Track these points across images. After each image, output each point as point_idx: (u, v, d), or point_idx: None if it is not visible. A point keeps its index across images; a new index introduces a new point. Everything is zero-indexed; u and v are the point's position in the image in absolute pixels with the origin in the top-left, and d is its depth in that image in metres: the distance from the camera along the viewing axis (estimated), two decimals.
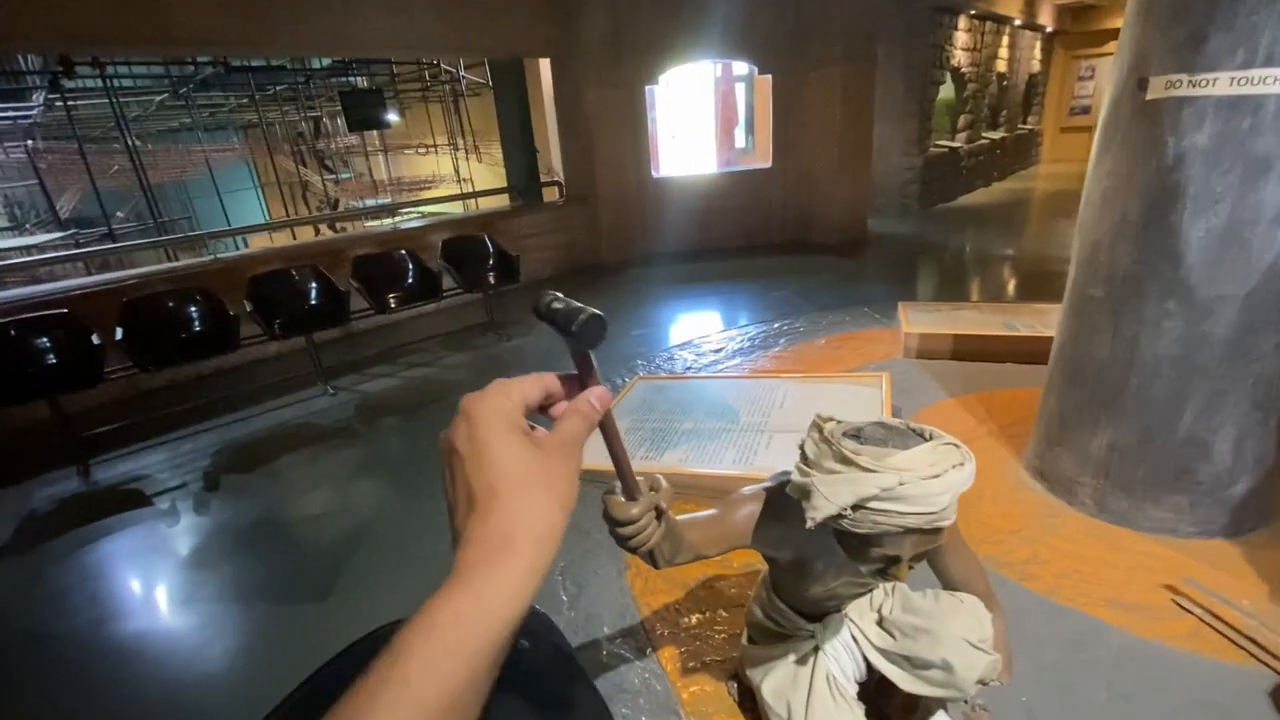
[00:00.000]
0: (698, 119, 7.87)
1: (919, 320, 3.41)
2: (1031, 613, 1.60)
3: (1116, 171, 1.74)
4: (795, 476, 0.95)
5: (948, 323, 3.35)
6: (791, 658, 1.27)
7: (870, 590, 1.24)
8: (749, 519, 1.10)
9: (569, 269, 6.30)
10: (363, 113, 7.25)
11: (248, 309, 3.57)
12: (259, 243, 7.47)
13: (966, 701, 1.21)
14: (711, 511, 1.12)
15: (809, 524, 0.86)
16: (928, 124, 8.40)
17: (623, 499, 0.80)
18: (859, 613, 1.24)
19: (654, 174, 6.44)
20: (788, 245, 6.62)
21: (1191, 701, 1.35)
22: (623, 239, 6.40)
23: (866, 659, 1.23)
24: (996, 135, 10.57)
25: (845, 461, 0.87)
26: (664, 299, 5.13)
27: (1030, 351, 2.95)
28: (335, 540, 2.30)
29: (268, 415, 3.49)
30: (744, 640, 1.41)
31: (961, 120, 9.45)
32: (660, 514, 0.84)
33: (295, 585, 2.09)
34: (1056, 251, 5.68)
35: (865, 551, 0.91)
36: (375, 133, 10.44)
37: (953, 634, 1.11)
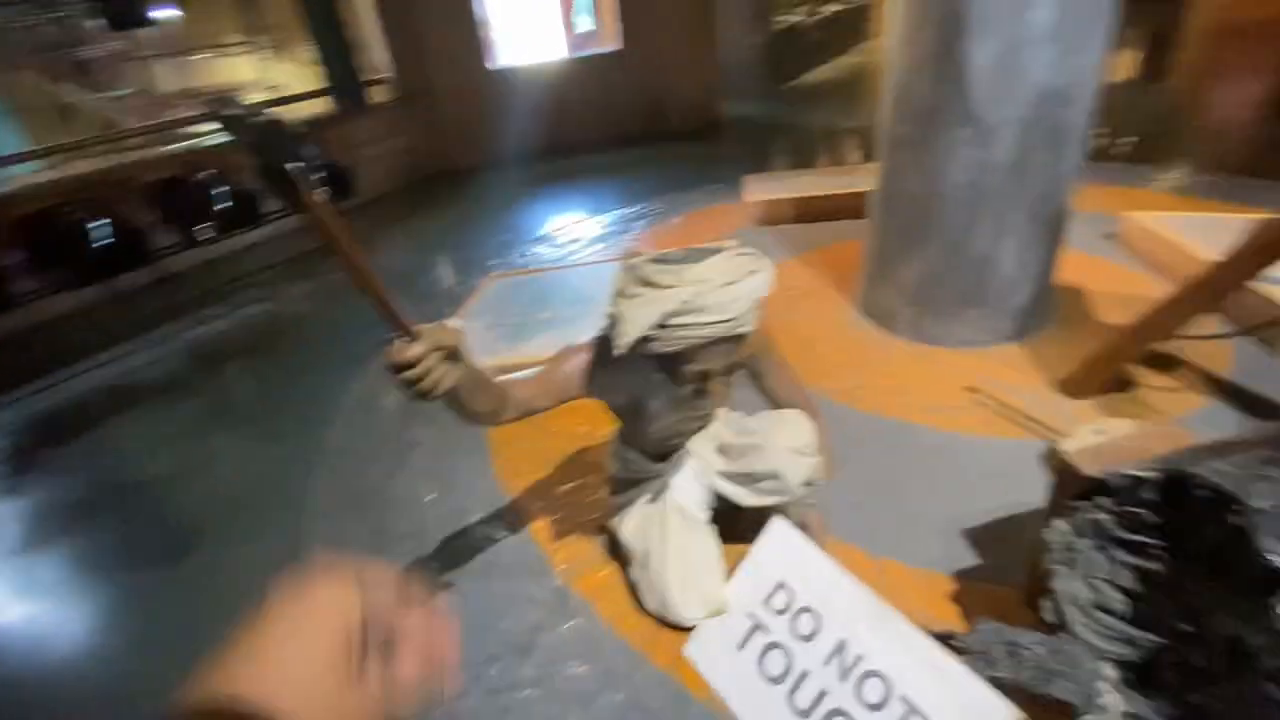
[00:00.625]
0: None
1: (763, 189, 3.50)
2: (860, 427, 1.79)
3: (911, 7, 1.80)
4: (607, 309, 0.94)
5: (787, 189, 3.48)
6: (646, 498, 1.33)
7: (706, 422, 1.31)
8: (579, 368, 1.09)
9: (415, 177, 5.78)
10: (123, 3, 5.85)
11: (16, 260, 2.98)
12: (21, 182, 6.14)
13: (799, 504, 1.34)
14: (540, 368, 1.10)
15: (616, 350, 0.87)
16: None
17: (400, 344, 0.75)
18: (700, 444, 1.31)
19: (489, 64, 5.92)
20: (644, 134, 6.47)
21: (986, 473, 1.59)
22: (471, 140, 5.93)
23: (711, 487, 1.32)
24: (831, 9, 10.69)
25: (646, 283, 0.87)
26: (520, 199, 4.89)
27: (861, 207, 3.14)
28: (187, 501, 2.08)
29: (78, 381, 3.02)
30: (606, 494, 1.46)
31: None
32: (454, 356, 0.80)
33: (146, 553, 1.89)
34: None
35: (679, 371, 0.94)
36: (150, 33, 8.63)
37: (779, 445, 1.21)
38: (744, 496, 1.25)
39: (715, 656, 1.19)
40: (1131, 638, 0.87)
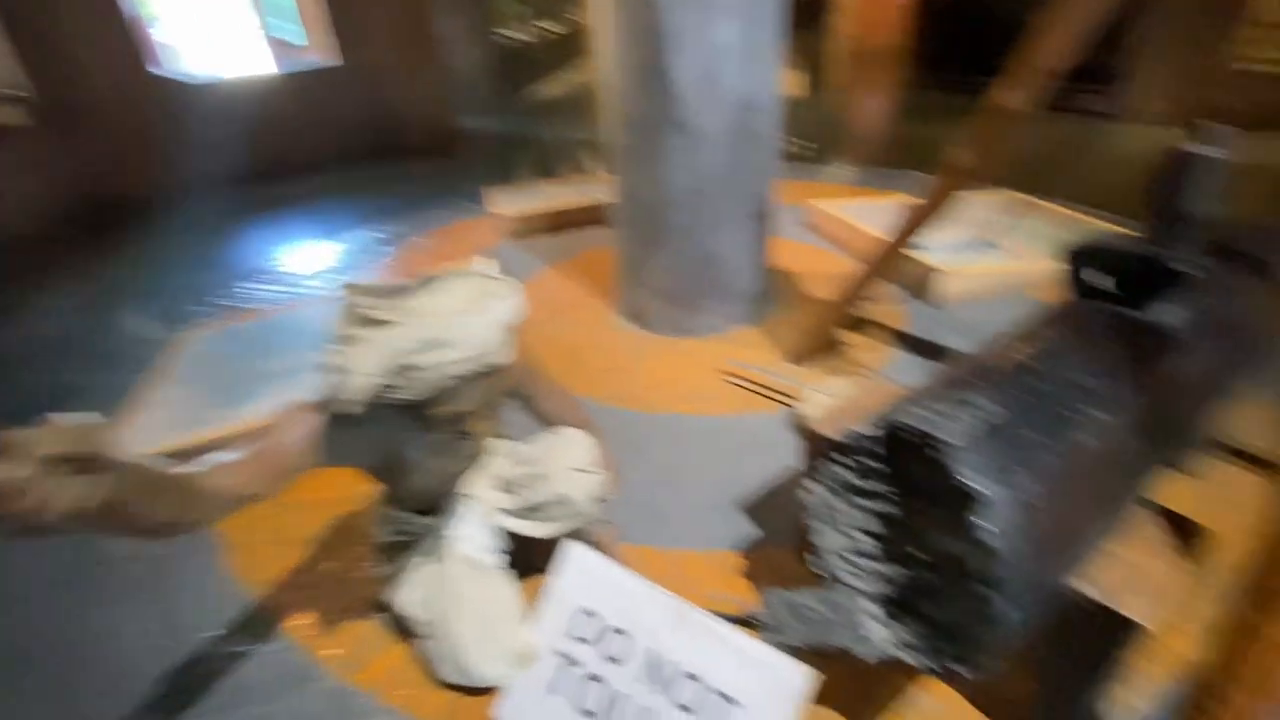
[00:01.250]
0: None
1: (509, 202, 3.45)
2: (633, 426, 1.83)
3: (620, 20, 1.89)
4: (328, 361, 0.78)
5: (534, 201, 3.48)
6: (421, 560, 1.17)
7: (477, 460, 1.20)
8: (304, 436, 0.90)
9: (75, 211, 4.49)
10: None
11: None
12: None
13: (592, 524, 1.31)
14: (249, 448, 0.88)
15: (351, 407, 0.72)
16: (489, 11, 8.24)
17: None
18: (476, 486, 1.19)
19: (154, 69, 4.87)
20: (373, 151, 5.95)
21: (751, 447, 1.73)
22: (146, 162, 4.82)
23: (497, 526, 1.22)
24: (558, 26, 11.08)
25: (367, 322, 0.73)
26: (227, 229, 4.12)
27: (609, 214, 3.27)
28: None
29: None
30: (377, 568, 1.26)
31: (521, 10, 9.57)
32: (87, 465, 0.57)
33: None
34: None
35: (431, 417, 0.83)
36: None
37: (562, 468, 1.15)
38: (535, 529, 1.17)
39: (528, 709, 1.09)
40: (883, 574, 0.99)
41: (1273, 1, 4.73)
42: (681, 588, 1.32)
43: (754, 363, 2.08)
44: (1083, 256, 1.10)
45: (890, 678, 1.13)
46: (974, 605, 0.82)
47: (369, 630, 1.30)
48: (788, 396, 1.93)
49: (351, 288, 0.79)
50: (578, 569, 1.16)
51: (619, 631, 1.09)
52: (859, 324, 2.27)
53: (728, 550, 1.42)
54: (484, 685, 1.12)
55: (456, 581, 1.15)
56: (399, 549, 1.21)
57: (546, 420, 1.28)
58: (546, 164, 5.82)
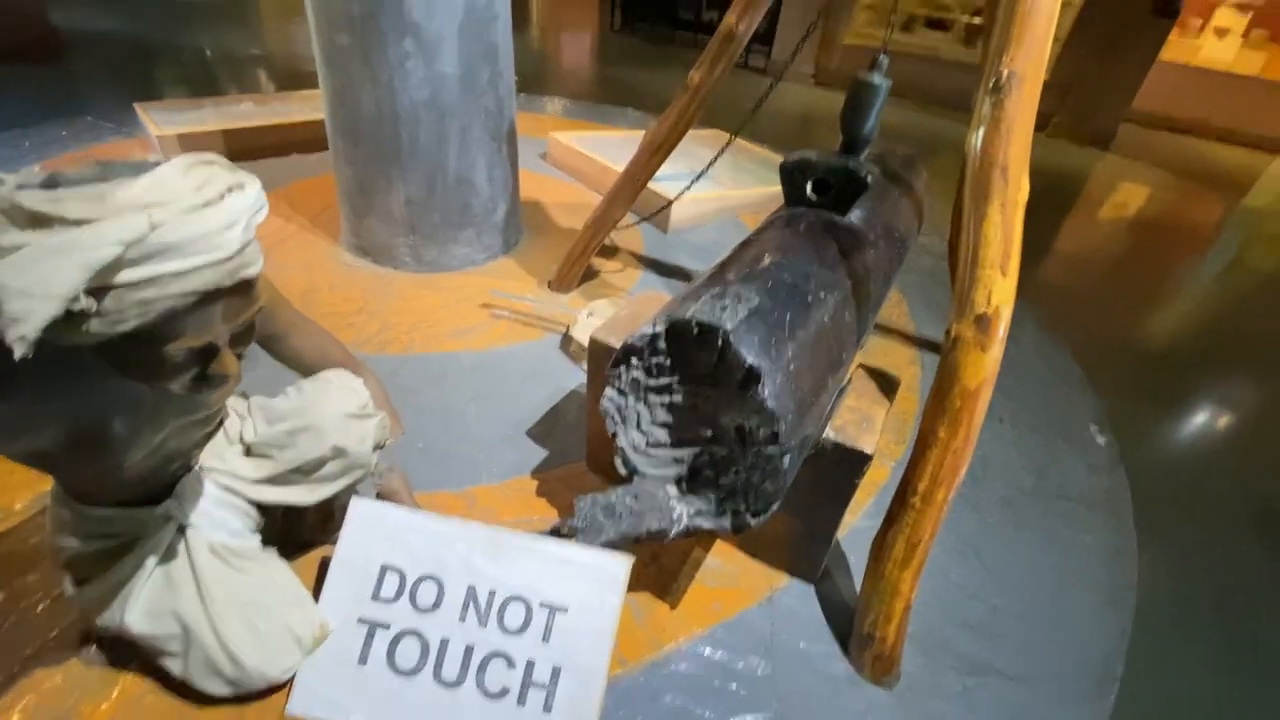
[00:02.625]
0: None
1: (171, 121, 2.70)
2: (400, 371, 1.66)
3: None
4: None
5: (210, 120, 2.78)
6: (151, 563, 0.91)
7: (216, 424, 0.96)
8: None
9: None
10: None
11: None
12: None
13: (375, 474, 1.18)
14: None
15: (18, 351, 0.49)
16: None
17: None
18: (217, 457, 0.96)
19: None
20: None
21: (526, 375, 1.71)
22: None
23: (254, 501, 1.01)
24: None
25: (41, 223, 0.51)
26: None
27: (313, 138, 2.77)
28: None
29: None
30: (69, 589, 0.94)
31: None
32: None
33: None
34: (304, 49, 5.39)
35: (159, 360, 0.62)
36: None
37: (331, 416, 0.99)
38: (306, 494, 1.00)
39: (333, 693, 0.96)
40: (677, 458, 1.09)
41: None
42: (484, 521, 1.28)
43: (515, 293, 2.04)
44: (793, 169, 1.30)
45: (684, 549, 1.28)
46: (758, 464, 0.95)
47: (73, 675, 0.98)
48: (553, 322, 1.94)
49: (8, 177, 0.53)
50: (369, 524, 1.03)
51: (428, 578, 1.02)
52: (606, 250, 2.38)
53: (524, 477, 1.41)
54: (267, 684, 0.95)
55: (208, 579, 0.93)
56: (107, 558, 0.92)
57: (301, 361, 1.08)
58: (202, 77, 4.68)
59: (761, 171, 3.17)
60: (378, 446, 1.08)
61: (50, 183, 0.55)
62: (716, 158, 1.91)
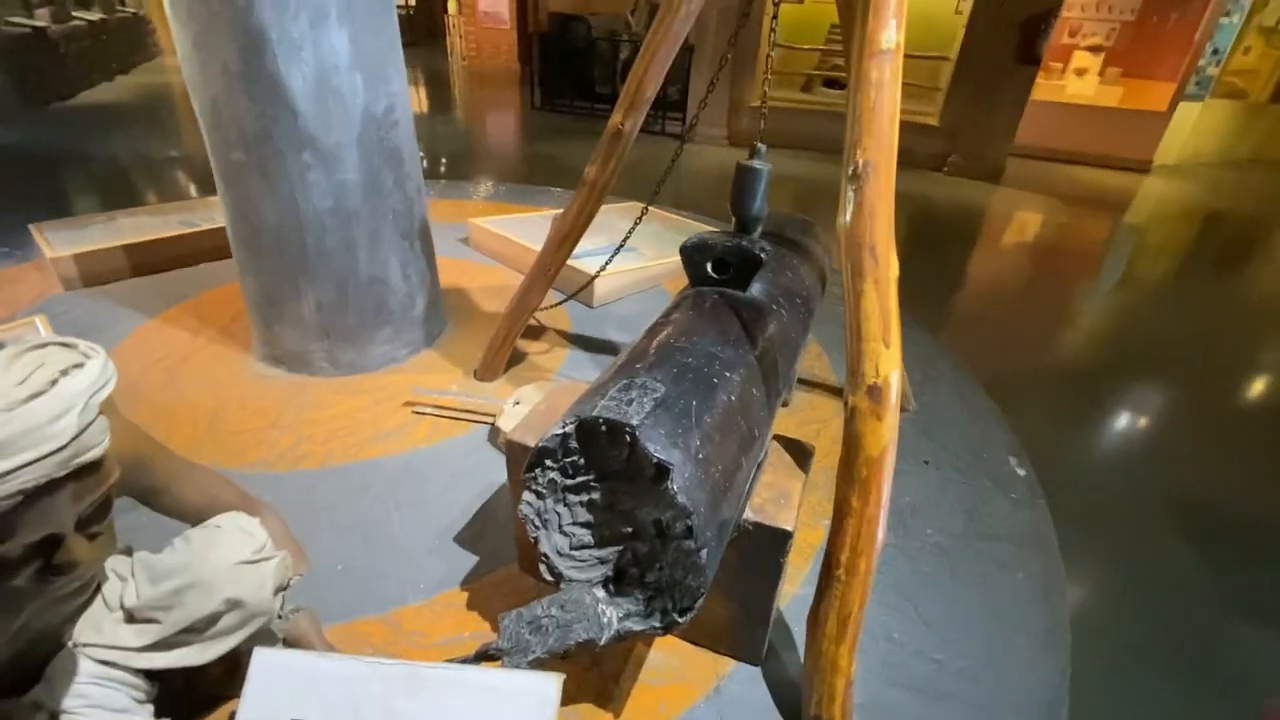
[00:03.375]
0: None
1: (70, 240, 2.60)
2: (317, 487, 1.59)
3: (199, 18, 1.57)
4: None
5: (113, 235, 2.69)
6: None
7: (90, 593, 0.89)
8: None
9: None
10: None
11: None
12: None
13: (281, 617, 1.10)
14: None
15: None
16: None
17: None
18: (94, 629, 0.88)
19: None
20: None
21: (455, 474, 1.66)
22: None
23: (143, 669, 0.92)
24: (94, 16, 8.64)
25: None
26: None
27: (222, 245, 2.71)
28: None
29: None
30: None
31: None
32: None
33: None
34: None
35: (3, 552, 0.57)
36: None
37: (223, 566, 0.93)
38: (199, 654, 0.92)
39: None
40: (602, 558, 1.06)
41: (775, 57, 6.49)
42: (413, 647, 1.21)
43: (440, 388, 2.00)
44: (692, 251, 1.34)
45: (625, 648, 1.23)
46: (680, 559, 0.94)
47: None
48: (480, 414, 1.91)
49: None
50: (273, 677, 0.95)
51: None
52: (533, 332, 2.38)
53: (453, 589, 1.35)
54: None
55: None
56: None
57: (186, 511, 1.01)
58: (113, 187, 4.56)
59: (682, 239, 3.28)
60: (280, 589, 1.01)
61: None
62: (631, 231, 1.96)
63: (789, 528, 1.07)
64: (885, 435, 1.00)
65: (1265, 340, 3.03)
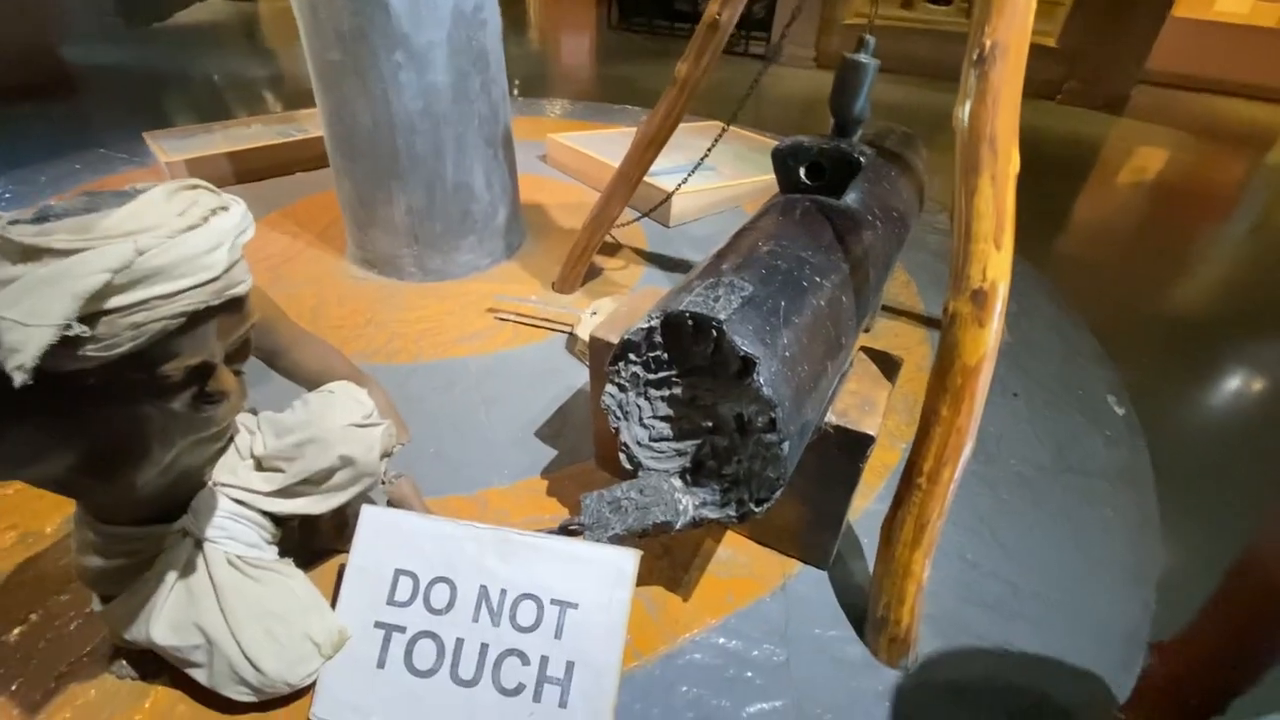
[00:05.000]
0: None
1: (179, 147, 2.77)
2: (409, 379, 1.69)
3: None
4: None
5: (218, 143, 2.84)
6: (172, 577, 0.94)
7: (226, 440, 0.99)
8: None
9: None
10: None
11: None
12: None
13: (384, 481, 1.20)
14: None
15: (17, 380, 0.52)
16: None
17: None
18: (229, 472, 0.99)
19: None
20: None
21: (533, 376, 1.73)
22: None
23: (268, 513, 1.03)
24: None
25: (32, 256, 0.53)
26: None
27: (317, 155, 2.82)
28: None
29: None
30: (96, 606, 0.98)
31: None
32: None
33: None
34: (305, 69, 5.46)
35: (158, 380, 0.64)
36: None
37: (337, 427, 1.01)
38: (317, 504, 1.02)
39: (353, 697, 0.98)
40: (680, 450, 1.09)
41: None
42: (497, 522, 1.30)
43: (520, 296, 2.05)
44: (785, 155, 1.29)
45: (695, 541, 1.28)
46: (759, 452, 0.95)
47: (106, 690, 1.02)
48: (559, 323, 1.95)
49: (2, 215, 0.55)
50: (380, 532, 1.05)
51: (441, 580, 1.03)
52: (608, 248, 2.38)
53: (534, 478, 1.42)
54: (289, 689, 0.97)
55: (227, 589, 0.95)
56: (128, 574, 0.95)
57: (303, 374, 1.10)
58: (208, 104, 4.78)
59: (764, 160, 3.15)
60: (385, 454, 1.09)
61: (40, 217, 0.57)
62: (711, 148, 1.90)
63: (872, 432, 1.06)
64: (986, 343, 0.95)
65: None
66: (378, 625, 1.01)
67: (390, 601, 1.02)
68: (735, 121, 1.87)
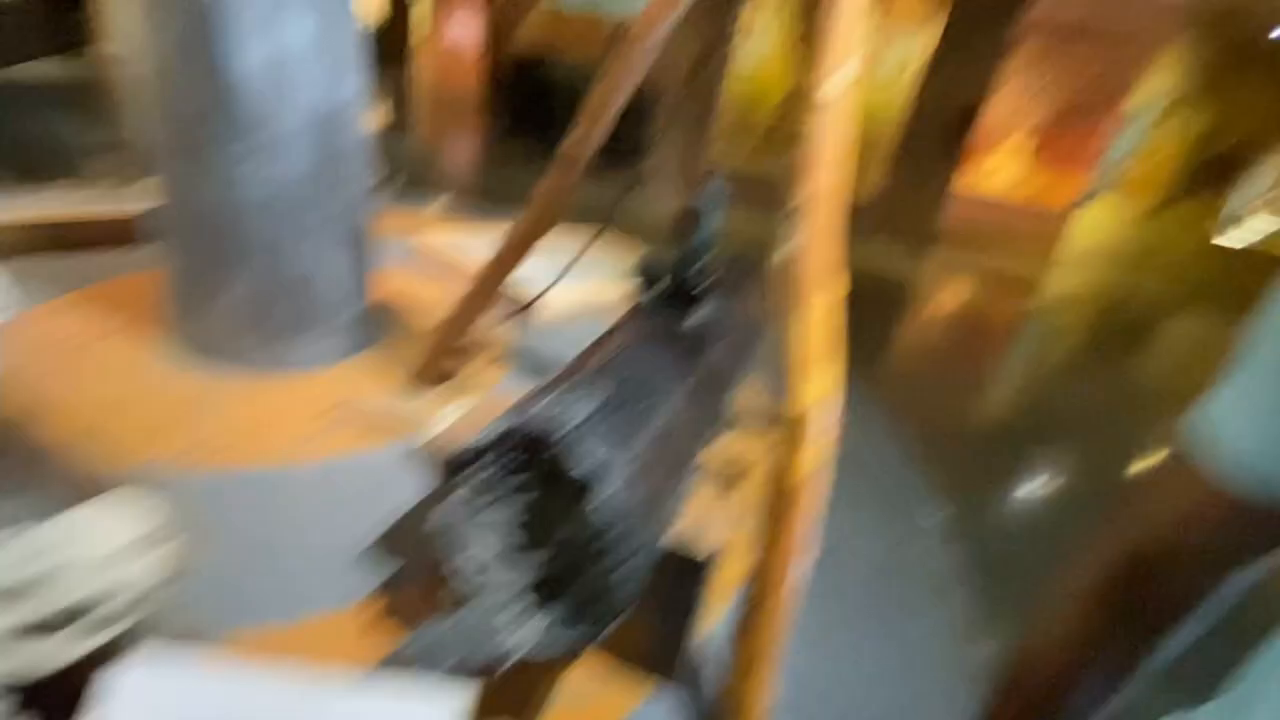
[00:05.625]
0: None
1: None
2: (219, 489, 1.48)
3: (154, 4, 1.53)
4: None
5: (31, 208, 2.50)
6: None
7: None
8: None
9: None
10: None
11: None
12: None
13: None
14: None
15: None
16: None
17: None
18: None
19: None
20: None
21: (365, 484, 1.58)
22: None
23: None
24: None
25: None
26: None
27: (140, 231, 2.57)
28: None
29: None
30: None
31: None
32: None
33: None
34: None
35: None
36: None
37: (96, 552, 0.85)
38: (62, 650, 0.82)
39: None
40: (518, 573, 1.03)
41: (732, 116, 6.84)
42: (318, 658, 1.13)
43: (368, 395, 1.92)
44: (642, 269, 1.37)
45: (540, 669, 1.18)
46: (603, 570, 0.92)
47: None
48: (407, 425, 1.84)
49: None
50: (139, 684, 0.86)
51: None
52: (469, 348, 2.33)
53: (355, 603, 1.26)
54: None
55: None
56: None
57: (62, 490, 0.92)
58: (30, 166, 4.24)
59: (625, 267, 3.33)
60: (162, 584, 0.92)
61: None
62: (582, 252, 1.98)
63: (707, 557, 1.07)
64: (808, 465, 1.02)
65: (1148, 417, 3.32)
66: None
67: None
68: (609, 229, 1.97)
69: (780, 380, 1.06)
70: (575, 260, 2.01)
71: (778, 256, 1.09)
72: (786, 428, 1.02)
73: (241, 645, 1.13)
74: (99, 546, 0.83)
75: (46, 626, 0.80)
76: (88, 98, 6.60)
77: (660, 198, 6.57)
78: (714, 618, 1.39)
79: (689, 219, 1.42)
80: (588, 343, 1.29)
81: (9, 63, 7.00)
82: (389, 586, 1.32)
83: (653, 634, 1.20)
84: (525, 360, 2.39)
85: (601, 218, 1.93)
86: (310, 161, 1.76)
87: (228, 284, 1.80)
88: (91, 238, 2.54)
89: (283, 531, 1.40)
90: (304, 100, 1.70)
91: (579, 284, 2.93)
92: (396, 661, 0.94)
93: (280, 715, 0.87)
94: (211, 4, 1.51)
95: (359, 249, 2.06)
